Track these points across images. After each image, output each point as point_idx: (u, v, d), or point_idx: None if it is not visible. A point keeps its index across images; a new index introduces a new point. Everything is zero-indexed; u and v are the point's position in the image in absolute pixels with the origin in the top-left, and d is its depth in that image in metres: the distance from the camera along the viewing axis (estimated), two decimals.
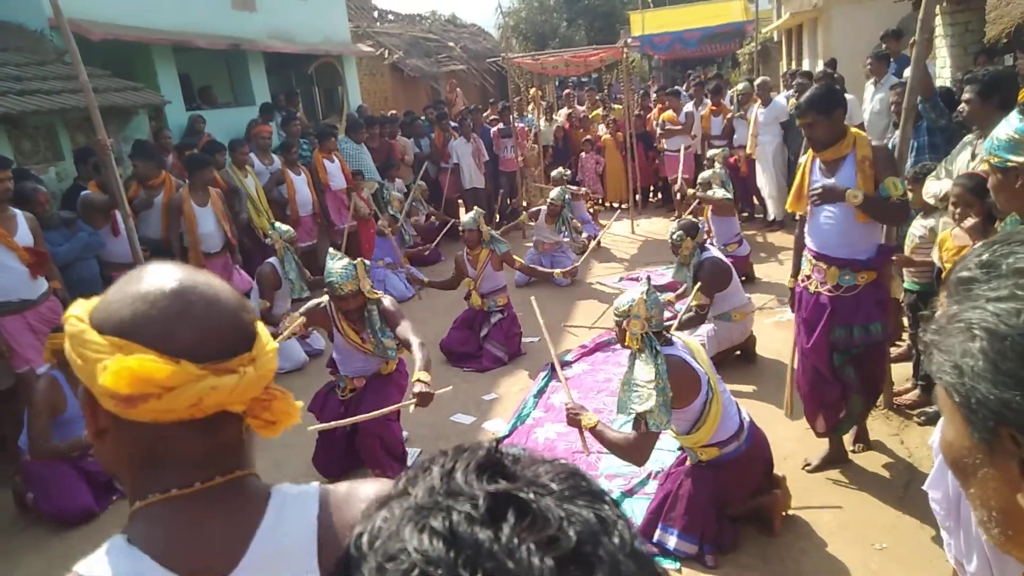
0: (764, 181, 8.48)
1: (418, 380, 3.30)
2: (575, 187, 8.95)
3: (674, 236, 5.02)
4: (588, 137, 10.87)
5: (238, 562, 0.81)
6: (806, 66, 14.76)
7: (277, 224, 6.02)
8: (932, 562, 2.85)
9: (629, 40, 12.14)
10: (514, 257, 5.86)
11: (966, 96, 3.47)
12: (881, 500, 3.31)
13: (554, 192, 7.74)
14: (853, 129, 3.29)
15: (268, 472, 3.82)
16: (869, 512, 3.24)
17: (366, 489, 0.91)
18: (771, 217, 8.64)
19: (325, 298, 3.89)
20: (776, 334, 5.33)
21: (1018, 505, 0.60)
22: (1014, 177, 2.10)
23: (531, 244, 8.06)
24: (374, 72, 14.94)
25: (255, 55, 9.96)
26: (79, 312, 0.83)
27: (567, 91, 13.20)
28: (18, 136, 5.92)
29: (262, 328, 0.89)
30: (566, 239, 7.83)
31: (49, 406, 3.80)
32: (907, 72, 4.73)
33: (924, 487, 2.32)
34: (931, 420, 3.68)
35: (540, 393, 4.93)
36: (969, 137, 3.65)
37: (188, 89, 9.40)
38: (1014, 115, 2.14)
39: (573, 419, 3.14)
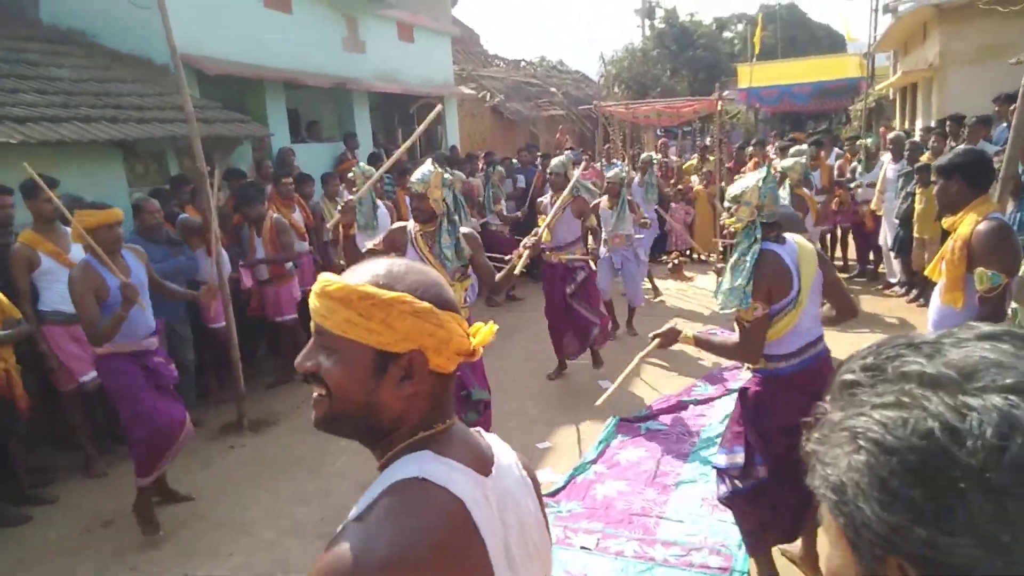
0: (889, 239, 8.05)
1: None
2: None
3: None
4: (680, 187, 10.71)
5: (492, 467, 1.08)
6: (919, 125, 14.09)
7: (361, 164, 6.76)
8: None
9: (725, 93, 11.97)
10: (589, 211, 6.00)
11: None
12: None
13: (610, 172, 6.76)
14: (980, 204, 3.05)
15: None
16: None
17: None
18: (891, 279, 8.20)
19: (409, 222, 4.03)
20: None
21: None
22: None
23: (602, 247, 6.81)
24: (475, 114, 15.34)
25: (360, 94, 10.43)
26: (364, 282, 1.00)
27: (661, 140, 13.10)
28: (132, 160, 6.41)
29: None
30: (639, 235, 6.89)
31: (91, 289, 3.71)
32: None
33: None
34: None
35: (603, 446, 4.67)
36: None
37: (296, 123, 9.92)
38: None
39: (669, 340, 3.07)
